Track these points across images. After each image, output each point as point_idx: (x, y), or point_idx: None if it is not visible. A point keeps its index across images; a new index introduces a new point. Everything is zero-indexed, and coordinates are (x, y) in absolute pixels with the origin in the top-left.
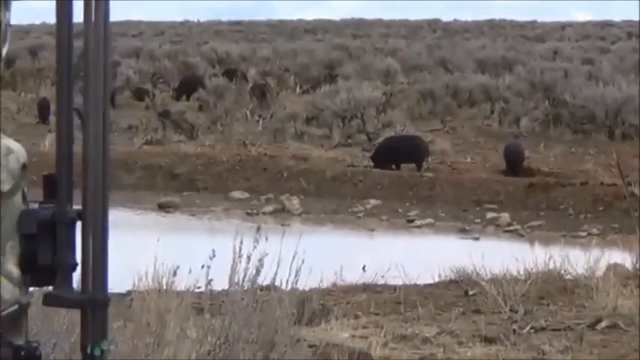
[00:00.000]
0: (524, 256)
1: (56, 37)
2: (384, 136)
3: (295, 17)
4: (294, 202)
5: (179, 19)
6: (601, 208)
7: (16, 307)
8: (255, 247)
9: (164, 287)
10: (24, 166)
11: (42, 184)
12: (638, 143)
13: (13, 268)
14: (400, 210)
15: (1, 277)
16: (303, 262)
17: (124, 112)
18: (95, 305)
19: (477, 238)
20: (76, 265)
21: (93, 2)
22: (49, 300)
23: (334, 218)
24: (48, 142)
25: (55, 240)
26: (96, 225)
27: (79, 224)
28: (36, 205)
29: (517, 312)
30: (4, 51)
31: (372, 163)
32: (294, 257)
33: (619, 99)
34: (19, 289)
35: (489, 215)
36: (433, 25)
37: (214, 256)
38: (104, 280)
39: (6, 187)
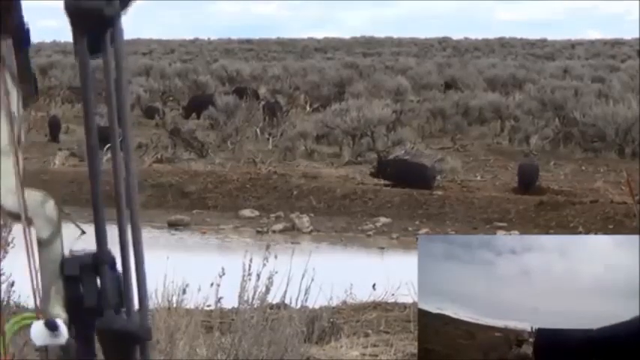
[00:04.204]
0: None
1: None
2: (393, 155)
3: (306, 35)
4: (304, 220)
5: (189, 37)
6: (611, 227)
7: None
8: (264, 265)
9: (174, 305)
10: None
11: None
12: None
13: (59, 311)
14: (410, 228)
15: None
16: (312, 280)
17: (133, 130)
18: (140, 336)
19: None
20: (122, 302)
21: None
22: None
23: (344, 236)
24: (58, 161)
25: (99, 280)
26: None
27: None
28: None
29: None
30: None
31: (382, 181)
32: (303, 275)
33: (629, 117)
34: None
35: (499, 233)
36: (443, 43)
37: (224, 274)
38: (145, 310)
39: (45, 234)
